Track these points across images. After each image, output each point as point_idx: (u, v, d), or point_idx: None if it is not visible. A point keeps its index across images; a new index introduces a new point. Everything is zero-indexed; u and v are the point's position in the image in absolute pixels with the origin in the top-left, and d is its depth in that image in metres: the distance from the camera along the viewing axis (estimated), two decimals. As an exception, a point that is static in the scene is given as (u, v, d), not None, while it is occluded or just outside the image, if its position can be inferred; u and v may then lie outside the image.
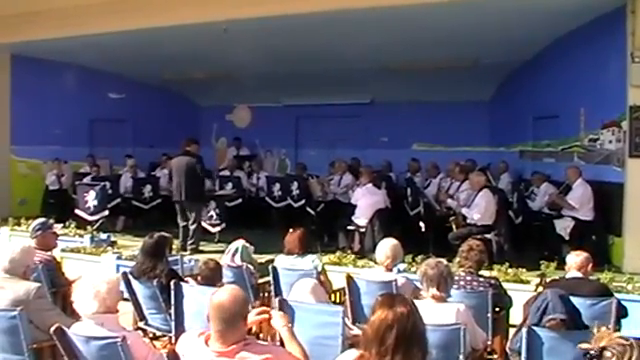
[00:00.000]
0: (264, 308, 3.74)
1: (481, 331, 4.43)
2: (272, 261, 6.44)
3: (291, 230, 6.27)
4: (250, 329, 3.45)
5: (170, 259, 5.85)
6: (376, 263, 5.83)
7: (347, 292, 5.40)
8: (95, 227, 10.05)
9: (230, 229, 10.06)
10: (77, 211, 10.60)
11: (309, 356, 3.39)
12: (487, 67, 11.91)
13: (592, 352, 2.20)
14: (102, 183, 10.90)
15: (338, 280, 6.01)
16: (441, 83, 12.92)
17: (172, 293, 4.96)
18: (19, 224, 10.31)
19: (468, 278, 5.17)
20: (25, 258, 4.48)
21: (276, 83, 14.22)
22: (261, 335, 4.09)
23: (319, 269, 5.98)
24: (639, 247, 8.11)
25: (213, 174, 12.96)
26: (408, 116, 14.25)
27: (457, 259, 5.49)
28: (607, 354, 2.17)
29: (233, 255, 6.30)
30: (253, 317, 3.52)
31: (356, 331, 4.46)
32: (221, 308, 2.99)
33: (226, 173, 13.42)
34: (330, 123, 15.77)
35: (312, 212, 11.21)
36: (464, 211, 8.91)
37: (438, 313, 4.05)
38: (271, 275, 5.93)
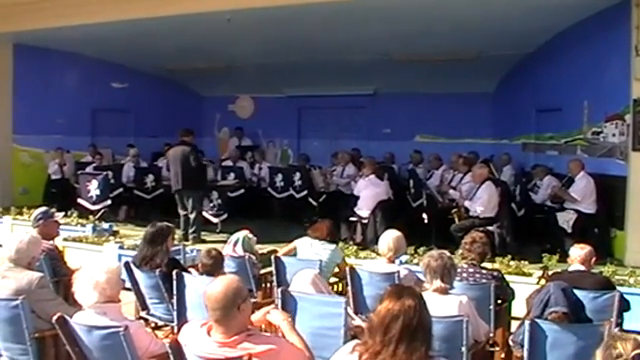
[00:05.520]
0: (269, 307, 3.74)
1: (483, 323, 4.43)
2: (274, 251, 6.46)
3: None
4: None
5: (172, 249, 5.84)
6: (378, 254, 5.83)
7: (349, 283, 5.40)
8: (97, 216, 10.02)
9: (232, 219, 10.09)
10: (79, 200, 10.58)
11: (311, 347, 3.39)
12: (490, 59, 11.86)
13: None
14: (104, 172, 10.86)
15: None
16: (444, 75, 12.87)
17: (174, 283, 4.97)
18: (21, 213, 10.33)
19: (471, 270, 5.18)
20: (32, 249, 4.48)
21: (279, 74, 14.18)
22: (262, 326, 4.08)
23: (338, 261, 6.15)
24: (641, 240, 8.10)
25: (210, 164, 12.95)
26: (411, 108, 14.22)
27: (460, 251, 5.49)
28: None
29: (234, 245, 6.31)
30: (260, 317, 3.54)
31: (358, 322, 4.46)
32: (213, 300, 2.98)
33: (228, 163, 13.41)
34: (333, 114, 15.74)
35: (314, 203, 11.21)
36: (467, 204, 8.89)
37: (441, 305, 4.04)
38: (273, 265, 5.94)
